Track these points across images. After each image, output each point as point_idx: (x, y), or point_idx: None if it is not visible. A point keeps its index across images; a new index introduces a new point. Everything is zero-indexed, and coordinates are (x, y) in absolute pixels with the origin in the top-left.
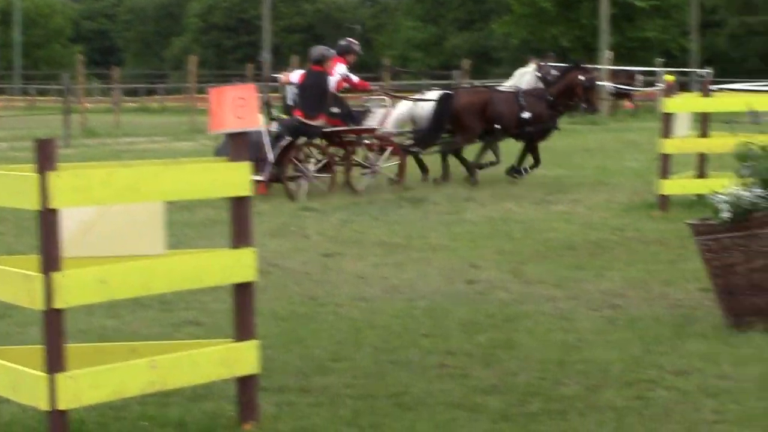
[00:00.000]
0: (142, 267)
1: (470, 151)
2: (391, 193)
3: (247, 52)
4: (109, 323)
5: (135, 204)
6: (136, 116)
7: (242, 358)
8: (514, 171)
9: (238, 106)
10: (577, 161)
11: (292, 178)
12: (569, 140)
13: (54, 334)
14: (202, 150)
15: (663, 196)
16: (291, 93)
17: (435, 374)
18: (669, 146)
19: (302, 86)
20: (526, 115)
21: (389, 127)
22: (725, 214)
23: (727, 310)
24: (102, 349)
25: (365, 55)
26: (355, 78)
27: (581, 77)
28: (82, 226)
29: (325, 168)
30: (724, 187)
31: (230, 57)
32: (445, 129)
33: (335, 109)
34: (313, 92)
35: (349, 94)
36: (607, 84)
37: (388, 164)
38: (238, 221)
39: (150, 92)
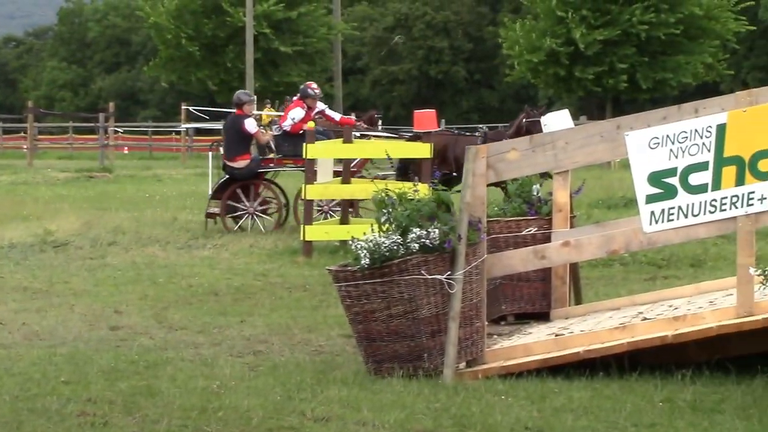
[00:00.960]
0: None
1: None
2: (34, 237)
3: None
4: None
5: None
6: None
7: None
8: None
9: None
10: None
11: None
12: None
13: None
14: None
15: (307, 242)
16: None
17: (75, 422)
18: (312, 192)
19: (223, 129)
20: None
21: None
22: (364, 261)
23: (368, 357)
24: None
25: (11, 96)
26: (336, 115)
27: (524, 119)
28: None
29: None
30: (364, 234)
31: None
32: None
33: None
34: (231, 136)
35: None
36: None
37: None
38: None
39: None
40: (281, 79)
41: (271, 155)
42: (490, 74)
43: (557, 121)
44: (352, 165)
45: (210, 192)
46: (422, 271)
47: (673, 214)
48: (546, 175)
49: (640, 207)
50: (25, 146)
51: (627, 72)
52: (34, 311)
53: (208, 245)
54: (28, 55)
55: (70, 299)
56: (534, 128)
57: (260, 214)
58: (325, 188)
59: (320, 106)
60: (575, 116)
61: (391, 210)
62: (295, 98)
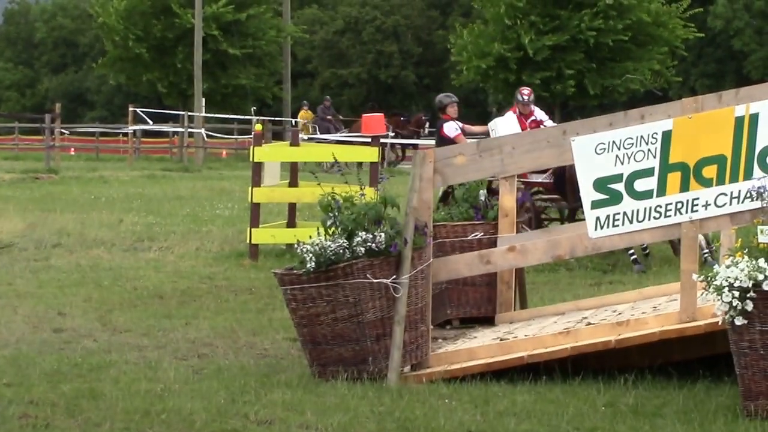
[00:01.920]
0: None
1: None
2: None
3: None
4: None
5: None
6: None
7: None
8: None
9: None
10: (169, 209)
11: None
12: (161, 187)
13: None
14: None
15: (253, 245)
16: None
17: (17, 425)
18: (259, 195)
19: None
20: None
21: None
22: (310, 264)
23: (313, 360)
24: None
25: None
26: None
27: None
28: None
29: None
30: (311, 237)
31: None
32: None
33: None
34: (437, 141)
35: None
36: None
37: None
38: None
39: None
40: (229, 81)
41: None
42: (439, 78)
43: (504, 126)
44: None
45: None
46: (368, 275)
47: (618, 219)
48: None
49: (586, 212)
50: None
51: (575, 78)
52: None
53: (154, 248)
54: None
55: (14, 301)
56: None
57: None
58: (272, 191)
59: (539, 113)
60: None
61: (337, 213)
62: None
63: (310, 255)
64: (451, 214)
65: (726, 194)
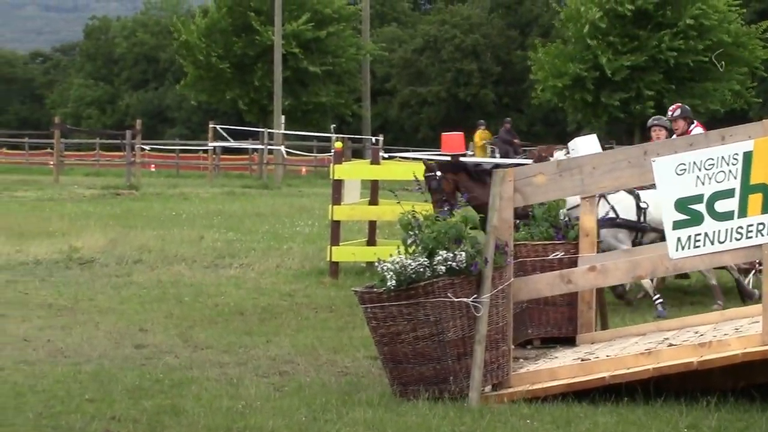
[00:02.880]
0: None
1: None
2: (60, 254)
3: None
4: None
5: None
6: None
7: None
8: None
9: None
10: (249, 225)
11: None
12: (241, 204)
13: None
14: None
15: (333, 262)
16: None
17: None
18: (339, 213)
19: None
20: None
21: None
22: (391, 282)
23: (394, 379)
24: None
25: (37, 111)
26: None
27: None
28: None
29: None
30: (391, 256)
31: None
32: None
33: None
34: None
35: None
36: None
37: None
38: None
39: None
40: (310, 98)
41: None
42: (518, 98)
43: (585, 145)
44: None
45: None
46: (449, 294)
47: (699, 240)
48: None
49: (667, 233)
50: (51, 162)
51: (654, 98)
52: (59, 328)
53: (235, 264)
54: (55, 71)
55: (96, 317)
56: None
57: None
58: (352, 209)
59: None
60: (605, 141)
61: (417, 232)
62: None
63: (391, 273)
64: (532, 234)
65: None
